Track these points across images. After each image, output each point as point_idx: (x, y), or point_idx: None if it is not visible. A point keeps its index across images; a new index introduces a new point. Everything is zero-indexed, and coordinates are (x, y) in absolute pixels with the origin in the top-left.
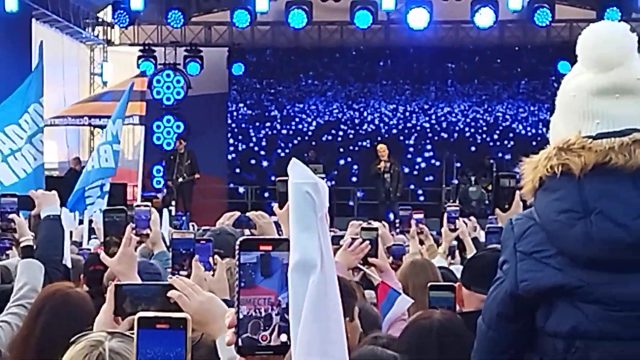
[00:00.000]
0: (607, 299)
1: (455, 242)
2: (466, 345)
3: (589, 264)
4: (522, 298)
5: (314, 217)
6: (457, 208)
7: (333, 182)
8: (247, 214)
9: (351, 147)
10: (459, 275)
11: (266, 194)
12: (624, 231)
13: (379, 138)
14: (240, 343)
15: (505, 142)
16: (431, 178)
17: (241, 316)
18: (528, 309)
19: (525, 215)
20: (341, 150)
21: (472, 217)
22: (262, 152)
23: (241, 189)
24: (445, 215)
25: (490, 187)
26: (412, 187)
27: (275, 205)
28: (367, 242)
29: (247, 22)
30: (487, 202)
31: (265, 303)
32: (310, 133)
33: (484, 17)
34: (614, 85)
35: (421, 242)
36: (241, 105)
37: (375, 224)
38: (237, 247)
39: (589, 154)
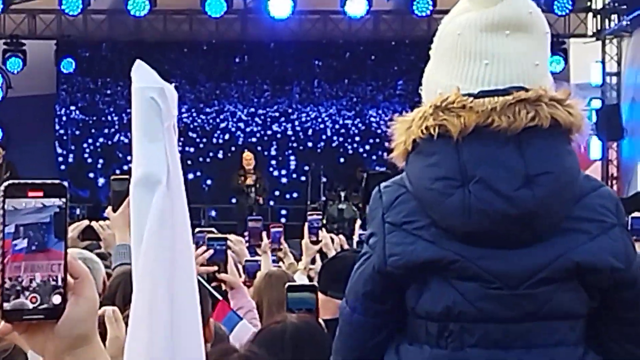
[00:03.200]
0: (485, 275)
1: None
2: (325, 349)
3: (466, 237)
4: (391, 275)
5: (160, 126)
6: (319, 217)
7: None
8: (93, 223)
9: (201, 159)
10: None
11: (104, 214)
12: (505, 202)
13: (233, 148)
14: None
15: (380, 152)
16: (295, 195)
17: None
18: (398, 287)
19: (396, 182)
20: (189, 162)
21: (341, 236)
22: (99, 165)
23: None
24: (306, 225)
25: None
26: (272, 203)
27: (108, 209)
28: (211, 249)
29: (79, 9)
30: (359, 221)
31: (59, 269)
32: None
33: (356, 6)
34: (504, 20)
35: (280, 260)
36: (72, 108)
37: (232, 237)
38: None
39: (469, 114)
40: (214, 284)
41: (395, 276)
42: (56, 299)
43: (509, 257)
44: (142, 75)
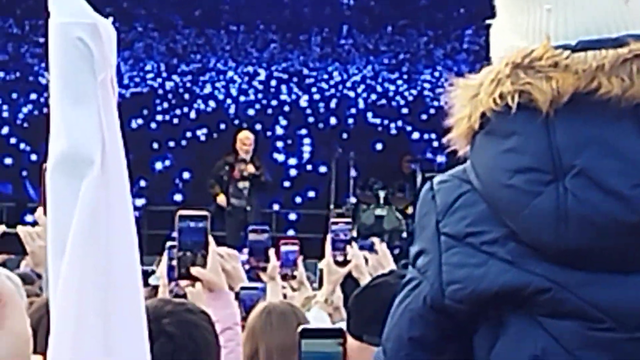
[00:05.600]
0: (590, 310)
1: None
2: None
3: (561, 256)
4: (451, 311)
5: (92, 80)
6: (348, 226)
7: (144, 200)
8: (19, 229)
9: (174, 142)
10: None
11: (29, 217)
12: (618, 204)
13: (223, 125)
14: None
15: (438, 134)
16: (311, 194)
17: None
18: (460, 330)
19: (456, 175)
20: (156, 145)
21: (383, 245)
22: (25, 146)
23: None
24: (329, 238)
25: (411, 210)
26: (276, 207)
27: (39, 212)
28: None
29: None
30: (405, 233)
31: None
32: None
33: None
34: None
35: (293, 291)
36: None
37: (222, 249)
38: None
39: (564, 75)
40: (184, 283)
41: (456, 313)
42: None
43: (625, 284)
44: (65, 4)
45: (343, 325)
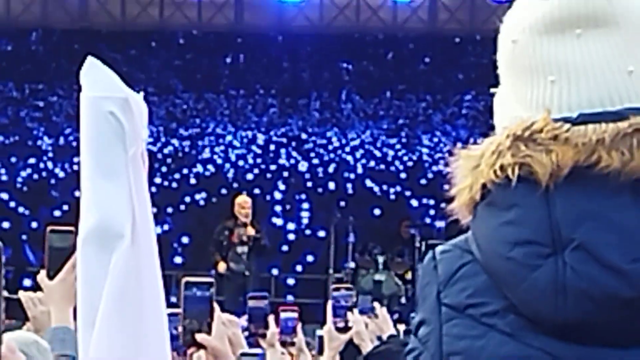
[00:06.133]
0: None
1: None
2: None
3: (560, 330)
4: None
5: (123, 154)
6: (350, 292)
7: None
8: (20, 294)
9: (172, 206)
10: None
11: (27, 281)
12: (616, 279)
13: (224, 190)
14: None
15: (436, 199)
16: (309, 258)
17: None
18: None
19: (458, 245)
20: (154, 210)
21: (383, 310)
22: (23, 210)
23: None
24: (330, 303)
25: (410, 275)
26: (275, 272)
27: (41, 275)
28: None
29: None
30: (404, 298)
31: None
32: None
33: None
34: (571, 14)
35: (292, 357)
36: None
37: (224, 316)
38: None
39: (564, 148)
40: (190, 350)
41: None
42: None
43: (623, 359)
44: (97, 78)
45: None
